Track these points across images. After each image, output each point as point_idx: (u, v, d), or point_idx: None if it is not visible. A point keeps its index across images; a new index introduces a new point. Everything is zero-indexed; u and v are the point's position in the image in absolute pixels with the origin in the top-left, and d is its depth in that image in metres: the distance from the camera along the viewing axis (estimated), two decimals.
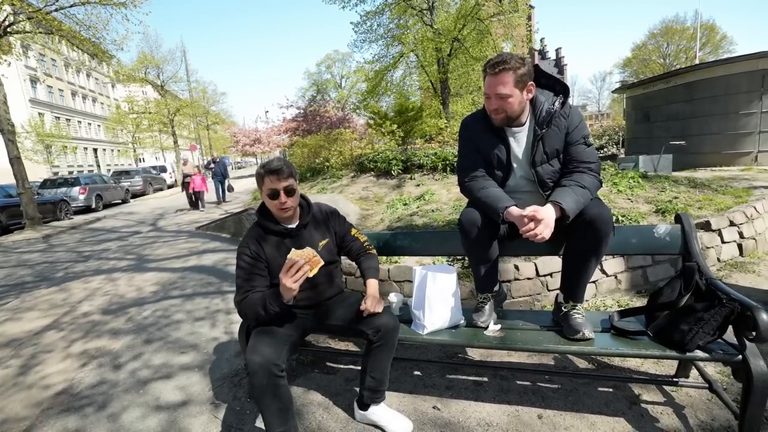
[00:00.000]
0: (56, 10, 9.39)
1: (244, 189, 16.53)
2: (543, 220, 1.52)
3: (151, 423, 1.99)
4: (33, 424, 2.05)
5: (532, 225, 1.53)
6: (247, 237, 1.77)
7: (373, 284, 1.82)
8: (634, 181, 4.53)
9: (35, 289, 4.64)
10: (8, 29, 9.17)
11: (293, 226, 1.79)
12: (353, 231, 1.98)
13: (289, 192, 1.68)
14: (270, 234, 1.76)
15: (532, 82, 1.66)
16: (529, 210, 1.56)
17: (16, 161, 9.44)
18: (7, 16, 9.03)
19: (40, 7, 9.22)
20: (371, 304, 1.68)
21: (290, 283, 1.46)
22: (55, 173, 26.11)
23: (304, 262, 1.48)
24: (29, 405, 2.23)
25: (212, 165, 13.08)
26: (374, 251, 2.00)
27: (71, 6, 9.47)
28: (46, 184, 13.95)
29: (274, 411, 1.53)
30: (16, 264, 6.30)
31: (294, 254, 1.50)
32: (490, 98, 1.67)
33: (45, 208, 10.91)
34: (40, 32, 9.90)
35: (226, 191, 12.74)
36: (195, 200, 11.38)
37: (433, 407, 1.91)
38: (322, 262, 1.54)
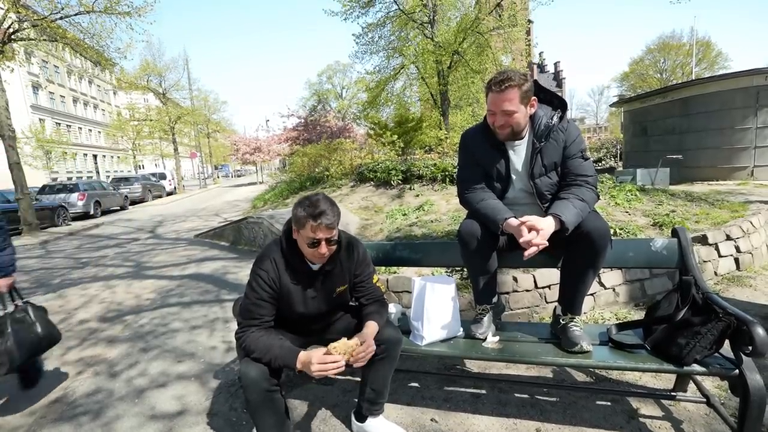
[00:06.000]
0: (61, 18, 9.48)
1: (243, 197, 16.56)
2: (542, 230, 1.55)
3: None
4: None
5: (534, 233, 1.55)
6: (268, 258, 1.62)
7: (373, 327, 1.64)
8: (631, 194, 4.57)
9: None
10: (12, 36, 9.26)
11: (316, 267, 1.67)
12: (375, 278, 1.84)
13: (332, 243, 1.56)
14: (290, 268, 1.64)
15: (534, 97, 1.71)
16: (527, 218, 1.58)
17: (15, 167, 9.45)
18: (12, 23, 9.13)
19: (45, 15, 9.31)
20: (363, 350, 1.49)
21: (318, 371, 1.41)
22: (54, 179, 26.10)
23: (344, 361, 1.44)
24: (23, 414, 2.20)
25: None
26: (387, 303, 1.88)
27: (76, 14, 9.56)
28: (44, 189, 13.91)
29: (269, 424, 1.52)
30: None
31: (338, 349, 1.45)
32: (495, 114, 1.69)
33: (43, 213, 10.87)
34: (44, 39, 9.95)
35: None
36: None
37: (431, 419, 1.90)
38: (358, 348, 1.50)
